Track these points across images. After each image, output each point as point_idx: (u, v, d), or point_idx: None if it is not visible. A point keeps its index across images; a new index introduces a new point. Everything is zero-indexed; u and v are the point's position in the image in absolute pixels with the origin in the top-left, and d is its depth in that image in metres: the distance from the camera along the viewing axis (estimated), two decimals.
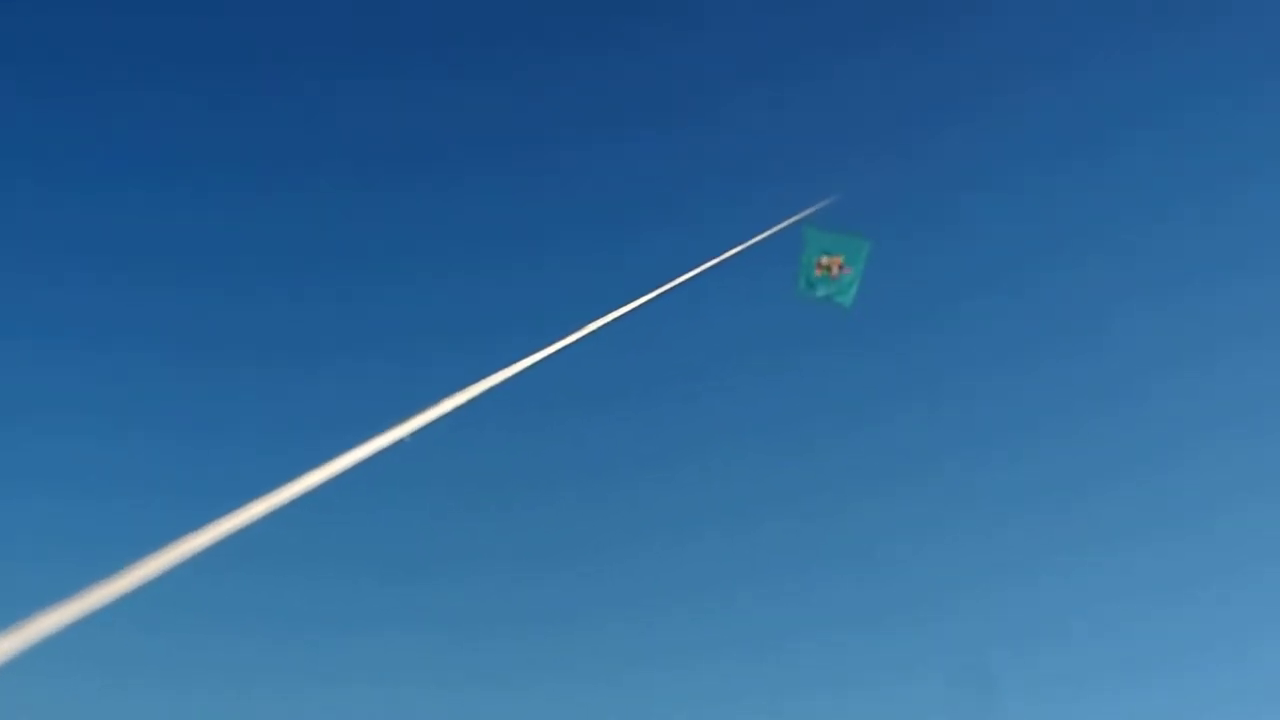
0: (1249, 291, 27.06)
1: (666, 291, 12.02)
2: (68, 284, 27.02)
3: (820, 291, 15.28)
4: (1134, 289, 27.54)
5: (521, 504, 26.74)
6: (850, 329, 26.61)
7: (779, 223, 14.50)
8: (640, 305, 11.55)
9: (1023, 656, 24.72)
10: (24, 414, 26.01)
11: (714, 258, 13.10)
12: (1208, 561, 25.68)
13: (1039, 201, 27.46)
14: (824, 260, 15.23)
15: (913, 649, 24.81)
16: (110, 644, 23.66)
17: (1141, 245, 27.28)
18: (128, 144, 27.63)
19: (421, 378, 26.36)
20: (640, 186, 27.91)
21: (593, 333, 10.83)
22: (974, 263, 27.80)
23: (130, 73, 27.64)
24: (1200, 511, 26.07)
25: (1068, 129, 27.45)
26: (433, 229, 28.15)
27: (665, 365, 27.45)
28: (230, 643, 24.43)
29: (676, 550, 26.30)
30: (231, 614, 24.63)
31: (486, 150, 28.13)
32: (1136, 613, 25.37)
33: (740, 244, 13.43)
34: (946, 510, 26.51)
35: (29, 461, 25.74)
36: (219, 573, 24.58)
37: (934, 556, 26.06)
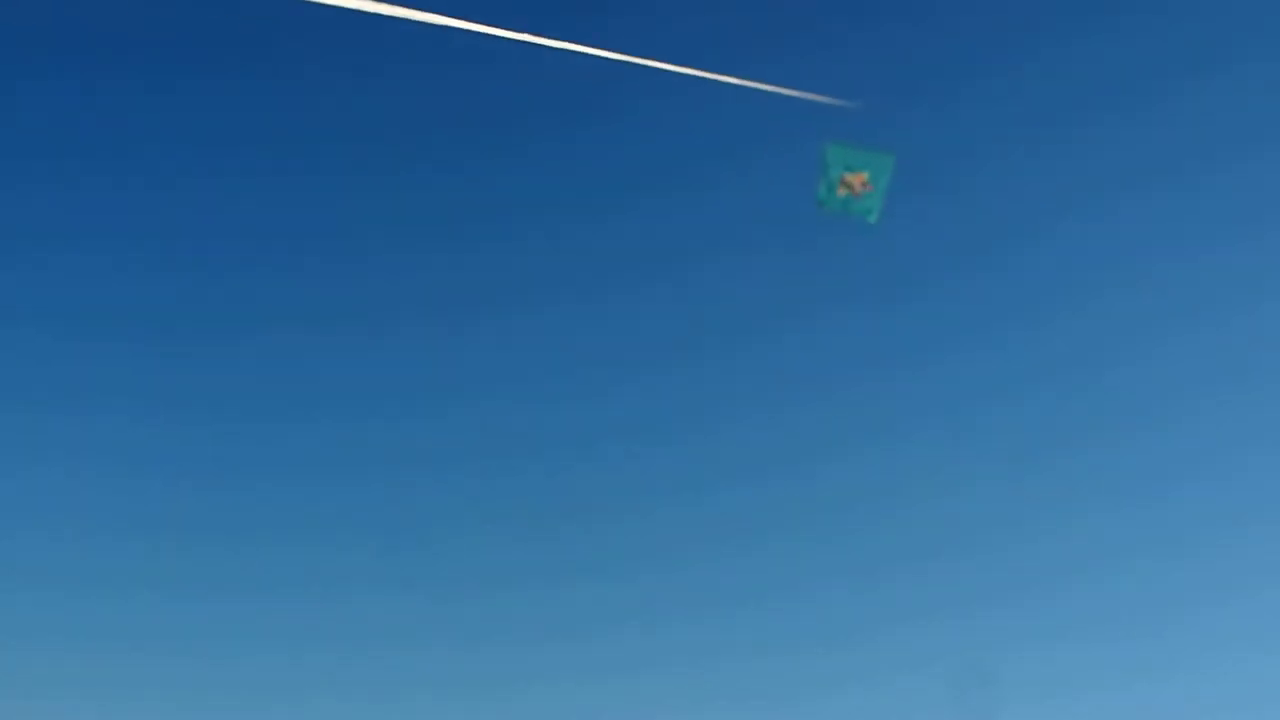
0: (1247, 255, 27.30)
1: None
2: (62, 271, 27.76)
3: (842, 205, 15.05)
4: (1121, 257, 27.79)
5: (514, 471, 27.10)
6: (855, 292, 27.05)
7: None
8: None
9: (1024, 655, 24.83)
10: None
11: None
12: (1214, 568, 25.92)
13: (1032, 168, 27.77)
14: (847, 177, 15.00)
15: (915, 646, 24.90)
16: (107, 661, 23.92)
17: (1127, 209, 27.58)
18: (121, 132, 28.19)
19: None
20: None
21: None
22: (972, 226, 28.04)
23: (118, 62, 28.27)
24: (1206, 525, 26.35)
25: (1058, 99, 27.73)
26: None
27: (656, 340, 28.06)
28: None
29: (682, 561, 26.37)
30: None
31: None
32: (1138, 613, 25.48)
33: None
34: (951, 518, 26.65)
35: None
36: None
37: (937, 556, 26.25)
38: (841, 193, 15.04)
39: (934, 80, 27.64)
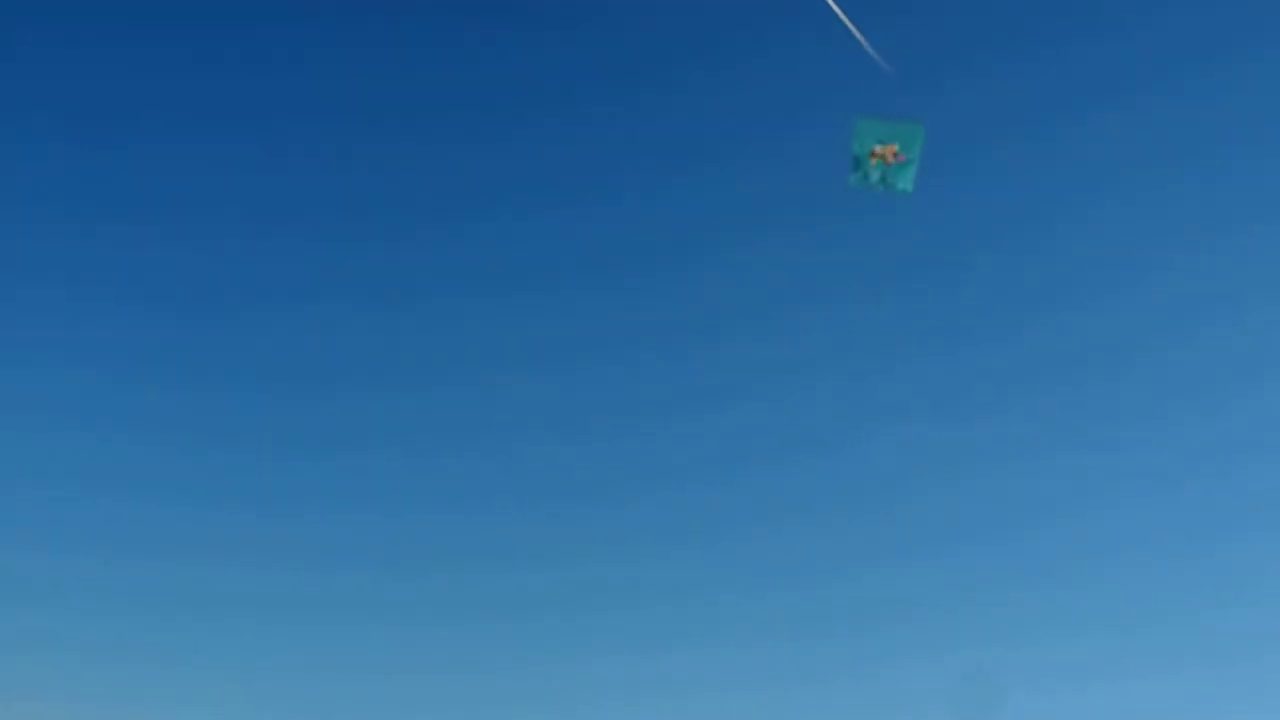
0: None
1: None
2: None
3: (876, 178, 15.22)
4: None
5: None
6: (875, 281, 26.82)
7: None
8: None
9: (1025, 652, 24.76)
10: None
11: None
12: (1220, 566, 25.84)
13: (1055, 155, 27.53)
14: (878, 149, 15.16)
15: (918, 644, 24.86)
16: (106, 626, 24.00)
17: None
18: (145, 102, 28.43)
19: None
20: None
21: None
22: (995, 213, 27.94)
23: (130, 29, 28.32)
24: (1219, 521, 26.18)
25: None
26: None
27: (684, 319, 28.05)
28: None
29: (686, 548, 26.42)
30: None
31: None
32: (1141, 610, 25.45)
33: None
34: (956, 510, 26.51)
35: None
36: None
37: (940, 554, 26.16)
38: (874, 161, 15.17)
39: (969, 52, 27.39)
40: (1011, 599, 25.22)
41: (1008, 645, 24.52)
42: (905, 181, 15.20)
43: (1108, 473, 26.57)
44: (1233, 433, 26.57)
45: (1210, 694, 23.90)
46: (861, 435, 27.09)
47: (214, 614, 24.79)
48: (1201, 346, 27.11)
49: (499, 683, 24.24)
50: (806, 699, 23.97)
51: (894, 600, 25.33)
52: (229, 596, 24.96)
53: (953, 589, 25.45)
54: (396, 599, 25.23)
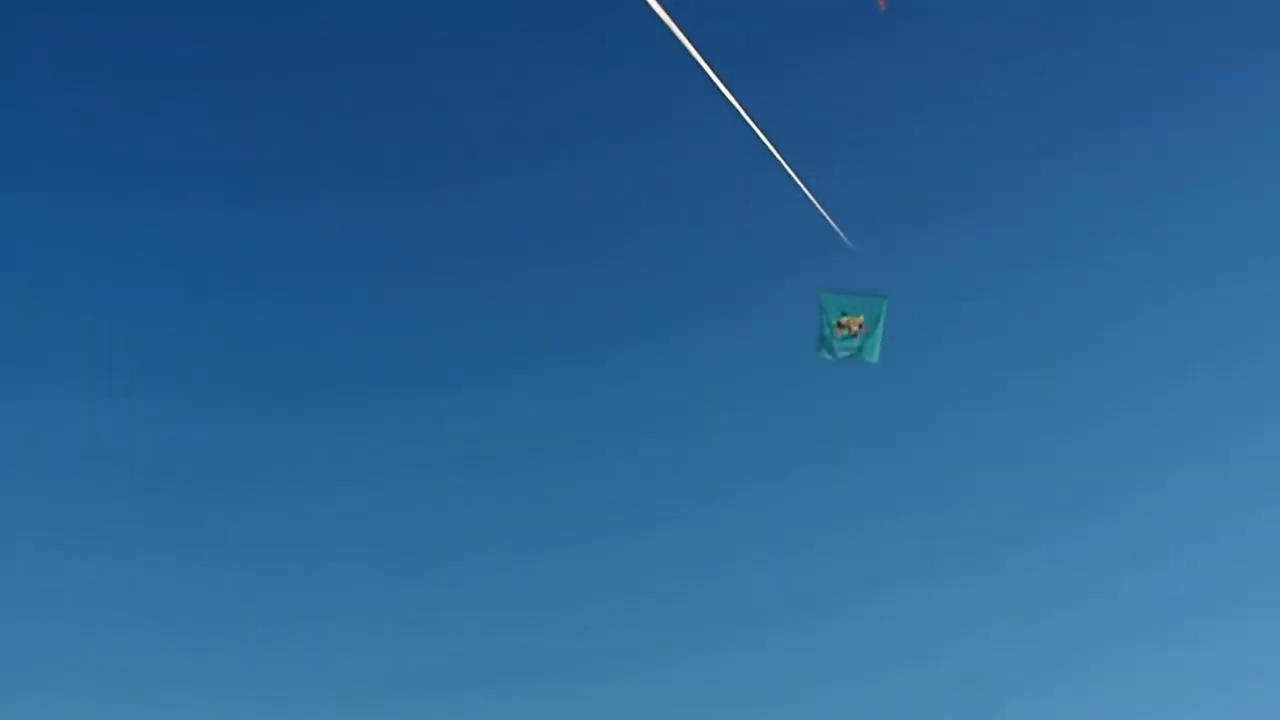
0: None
1: None
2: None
3: (843, 351, 15.88)
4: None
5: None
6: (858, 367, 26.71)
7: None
8: None
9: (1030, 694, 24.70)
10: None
11: None
12: (1211, 594, 25.91)
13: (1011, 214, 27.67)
14: (843, 321, 15.88)
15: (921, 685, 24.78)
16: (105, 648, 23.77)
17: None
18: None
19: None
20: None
21: None
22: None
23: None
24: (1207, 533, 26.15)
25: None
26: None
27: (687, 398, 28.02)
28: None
29: (687, 594, 26.88)
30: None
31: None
32: (1142, 649, 25.42)
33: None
34: (954, 543, 26.50)
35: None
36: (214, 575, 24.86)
37: (938, 591, 26.11)
38: (839, 333, 15.88)
39: (930, 217, 27.51)
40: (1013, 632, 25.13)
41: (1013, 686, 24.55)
42: (870, 353, 15.98)
43: (1098, 629, 26.53)
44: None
45: None
46: (842, 603, 26.99)
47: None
48: (1196, 484, 27.24)
49: None
50: None
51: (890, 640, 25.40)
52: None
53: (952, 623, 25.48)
54: None
